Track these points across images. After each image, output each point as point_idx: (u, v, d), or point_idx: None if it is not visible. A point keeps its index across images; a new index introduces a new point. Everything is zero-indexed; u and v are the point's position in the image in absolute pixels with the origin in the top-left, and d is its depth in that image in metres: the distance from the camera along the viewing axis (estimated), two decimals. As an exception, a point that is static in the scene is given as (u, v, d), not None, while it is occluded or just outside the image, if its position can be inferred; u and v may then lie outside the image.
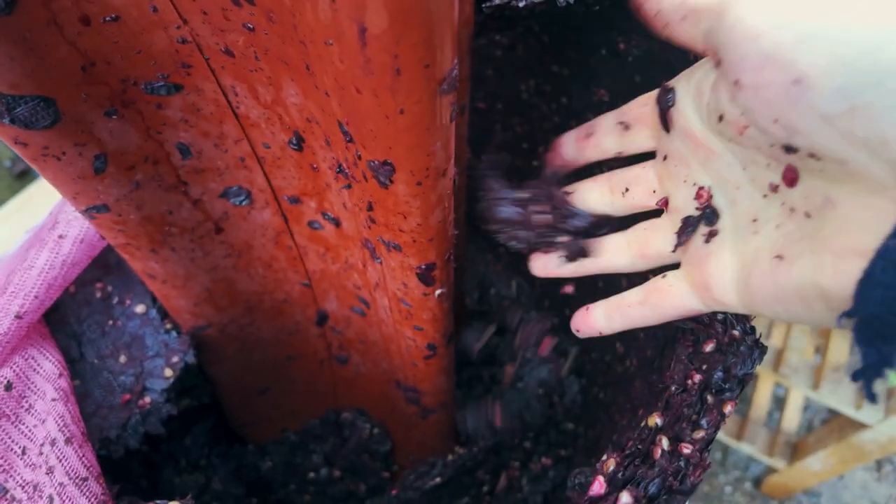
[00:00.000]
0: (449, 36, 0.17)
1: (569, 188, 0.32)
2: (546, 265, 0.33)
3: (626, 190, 0.29)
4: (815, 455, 0.92)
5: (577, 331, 0.32)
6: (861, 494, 1.07)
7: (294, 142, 0.28)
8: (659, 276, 0.27)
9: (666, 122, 0.26)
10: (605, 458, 0.23)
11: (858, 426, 0.85)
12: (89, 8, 0.22)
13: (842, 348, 0.90)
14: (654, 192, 0.28)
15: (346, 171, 0.26)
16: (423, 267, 0.29)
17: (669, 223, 0.27)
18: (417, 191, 0.23)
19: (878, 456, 0.85)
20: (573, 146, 0.32)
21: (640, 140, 0.28)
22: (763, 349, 0.23)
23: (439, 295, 0.31)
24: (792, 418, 1.04)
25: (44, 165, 0.25)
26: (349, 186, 0.28)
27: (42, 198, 0.74)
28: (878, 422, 0.82)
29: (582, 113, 0.44)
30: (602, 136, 0.30)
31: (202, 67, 0.25)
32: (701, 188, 0.24)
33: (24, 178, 1.27)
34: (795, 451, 1.01)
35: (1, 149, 1.26)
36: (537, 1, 0.28)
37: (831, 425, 0.94)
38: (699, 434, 0.23)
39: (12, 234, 0.71)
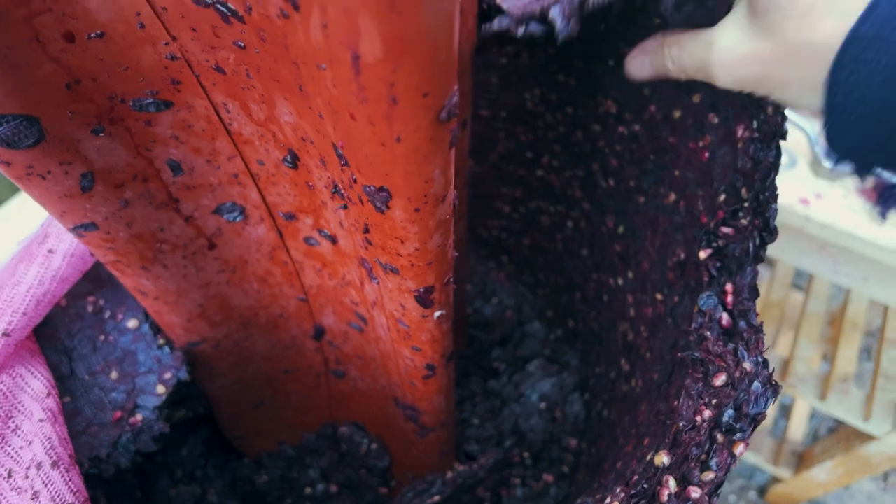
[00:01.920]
0: (449, 63, 0.16)
1: None
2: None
3: None
4: (821, 465, 0.91)
5: None
6: (866, 505, 1.06)
7: (289, 160, 0.27)
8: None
9: None
10: (609, 499, 0.22)
11: (866, 437, 0.84)
12: (74, 24, 0.21)
13: (850, 358, 0.89)
14: None
15: (343, 192, 0.25)
16: (422, 290, 0.27)
17: None
18: (415, 217, 0.22)
19: (887, 468, 0.83)
20: None
21: None
22: (777, 388, 0.22)
23: (438, 317, 0.30)
24: (798, 427, 1.03)
25: (28, 184, 0.24)
26: (345, 207, 0.26)
27: (41, 199, 0.73)
28: (885, 433, 0.80)
29: (588, 123, 0.43)
30: None
31: (192, 84, 0.24)
32: None
33: (25, 176, 1.26)
34: (801, 460, 1.00)
35: (2, 147, 1.26)
36: (537, 34, 0.26)
37: (838, 435, 0.92)
38: (708, 476, 0.21)
39: (12, 234, 0.71)
